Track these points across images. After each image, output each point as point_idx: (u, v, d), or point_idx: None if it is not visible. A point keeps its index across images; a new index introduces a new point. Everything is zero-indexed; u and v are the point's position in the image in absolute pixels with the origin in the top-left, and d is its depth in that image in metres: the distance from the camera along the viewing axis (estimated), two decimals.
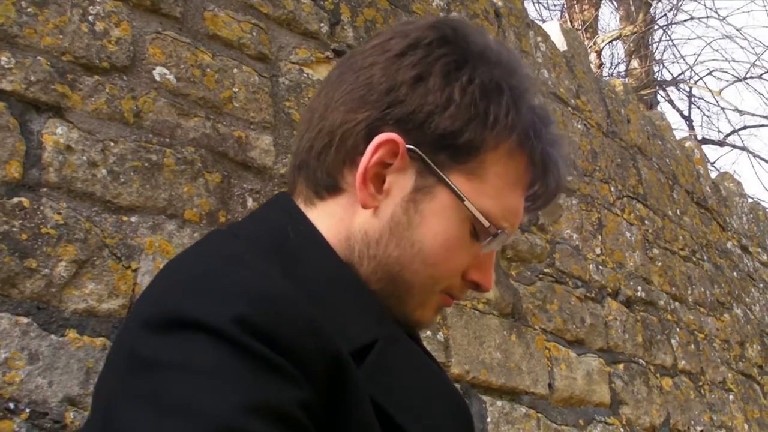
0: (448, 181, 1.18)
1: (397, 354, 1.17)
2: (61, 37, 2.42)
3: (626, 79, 13.81)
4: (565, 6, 14.99)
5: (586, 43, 11.13)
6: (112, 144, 2.45)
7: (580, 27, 13.47)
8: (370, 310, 1.18)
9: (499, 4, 4.57)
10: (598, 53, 14.05)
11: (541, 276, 4.11)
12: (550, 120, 1.27)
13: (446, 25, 1.24)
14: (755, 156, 19.65)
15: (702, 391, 5.27)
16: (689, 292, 5.60)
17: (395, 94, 1.18)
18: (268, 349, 0.94)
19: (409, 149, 1.17)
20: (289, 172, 1.31)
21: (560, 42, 5.25)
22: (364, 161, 1.17)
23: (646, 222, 5.34)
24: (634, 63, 15.04)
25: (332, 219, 1.22)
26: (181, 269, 1.11)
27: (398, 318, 1.21)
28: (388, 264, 1.19)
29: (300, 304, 1.03)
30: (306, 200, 1.25)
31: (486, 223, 1.19)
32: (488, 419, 3.47)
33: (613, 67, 15.92)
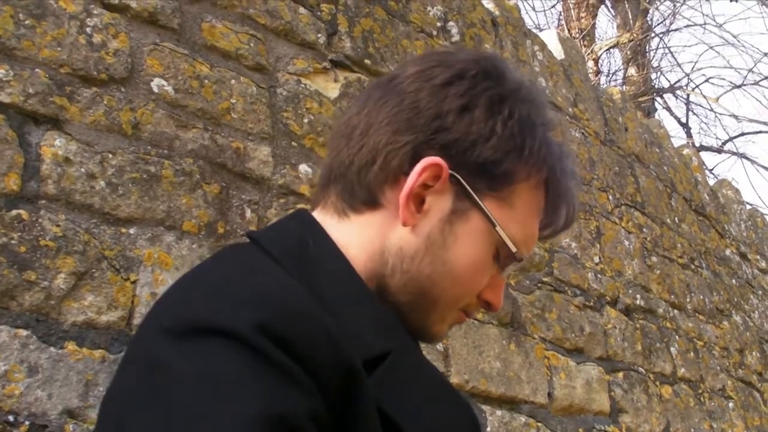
0: (483, 207, 1.24)
1: (410, 366, 1.22)
2: (59, 49, 2.43)
3: (624, 87, 13.82)
4: (562, 14, 15.01)
5: (583, 51, 11.14)
6: (110, 156, 2.45)
7: (578, 35, 13.49)
8: (384, 322, 1.22)
9: (497, 13, 4.57)
10: (596, 61, 14.07)
11: (539, 285, 4.11)
12: (569, 154, 1.36)
13: (488, 60, 1.32)
14: (753, 162, 19.64)
15: (702, 399, 5.27)
16: (688, 299, 5.60)
17: (441, 121, 1.24)
18: (287, 357, 0.96)
19: (450, 174, 1.24)
20: (321, 185, 1.36)
21: (557, 51, 5.26)
22: (410, 182, 1.23)
23: (644, 230, 5.35)
24: (632, 70, 15.06)
25: (368, 231, 1.27)
26: (200, 278, 1.14)
27: (416, 330, 1.28)
28: (420, 279, 1.24)
29: (318, 313, 1.06)
30: (339, 212, 1.30)
31: (513, 249, 1.26)
32: (488, 429, 3.47)
33: (610, 75, 15.94)
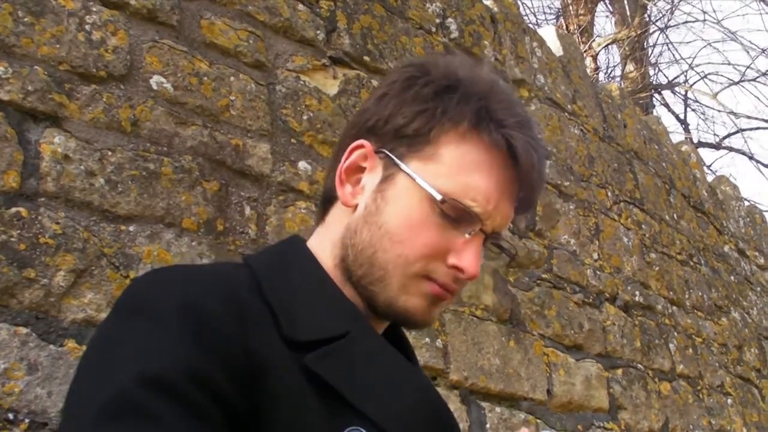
0: (401, 165, 1.32)
1: (366, 348, 1.28)
2: (58, 46, 2.42)
3: (622, 83, 13.83)
4: (561, 11, 15.01)
5: (581, 47, 11.14)
6: (109, 153, 2.45)
7: (576, 31, 13.48)
8: (344, 309, 1.30)
9: (495, 9, 4.57)
10: (594, 57, 14.07)
11: (538, 281, 4.12)
12: (516, 110, 1.38)
13: (419, 60, 1.54)
14: (751, 159, 19.65)
15: (700, 396, 5.27)
16: (687, 296, 5.60)
17: (367, 113, 1.39)
18: (205, 330, 1.08)
19: (377, 151, 1.35)
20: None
21: (556, 47, 5.25)
22: (339, 166, 1.38)
23: (643, 226, 5.35)
24: (630, 66, 15.06)
25: (331, 228, 1.39)
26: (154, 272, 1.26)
27: (387, 309, 1.32)
28: (363, 248, 1.32)
29: (237, 297, 1.17)
30: (317, 223, 1.44)
31: (438, 197, 1.28)
32: (487, 425, 3.47)
33: (609, 71, 15.95)
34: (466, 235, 1.31)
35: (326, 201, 1.42)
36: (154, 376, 1.02)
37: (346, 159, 1.37)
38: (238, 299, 1.17)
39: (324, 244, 1.38)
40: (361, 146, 1.36)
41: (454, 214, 1.30)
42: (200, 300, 1.11)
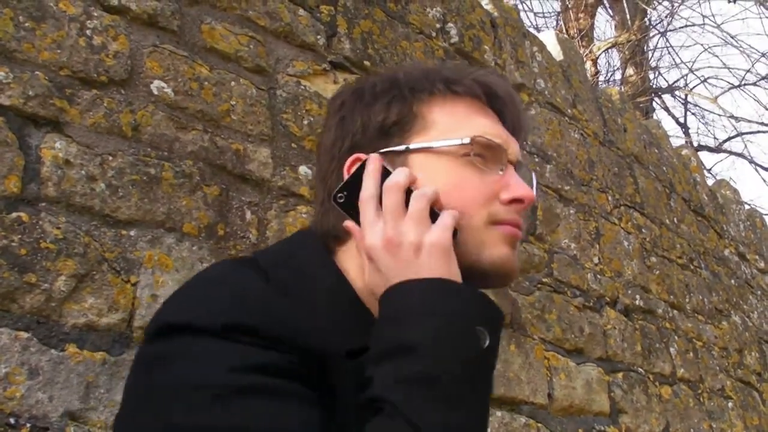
0: (408, 146, 1.35)
1: None
2: (59, 51, 2.43)
3: (622, 87, 13.83)
4: (560, 14, 15.01)
5: (581, 51, 11.14)
6: (110, 158, 2.45)
7: (576, 35, 13.49)
8: (361, 320, 1.30)
9: (495, 14, 4.58)
10: (594, 61, 14.07)
11: (539, 286, 4.12)
12: (465, 65, 1.50)
13: (344, 85, 1.55)
14: (751, 162, 19.65)
15: (701, 399, 5.27)
16: (687, 300, 5.60)
17: (339, 141, 1.40)
18: (254, 338, 1.12)
19: (371, 157, 1.34)
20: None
21: (556, 51, 5.26)
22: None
23: (643, 230, 5.35)
24: (630, 70, 15.06)
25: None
26: (179, 290, 1.28)
27: (477, 269, 1.32)
28: None
29: (281, 306, 1.20)
30: (336, 244, 1.41)
31: (458, 141, 1.33)
32: (488, 430, 3.46)
33: (609, 74, 15.95)
34: (500, 172, 1.35)
35: (336, 235, 1.38)
36: (258, 363, 1.10)
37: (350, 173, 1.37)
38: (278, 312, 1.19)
39: (354, 260, 1.35)
40: (358, 159, 1.36)
41: (481, 153, 1.34)
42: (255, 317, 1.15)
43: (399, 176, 1.29)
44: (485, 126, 1.37)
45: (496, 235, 1.33)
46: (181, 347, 1.13)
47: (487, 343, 1.19)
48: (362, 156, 1.35)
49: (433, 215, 1.27)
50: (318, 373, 1.17)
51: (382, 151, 1.35)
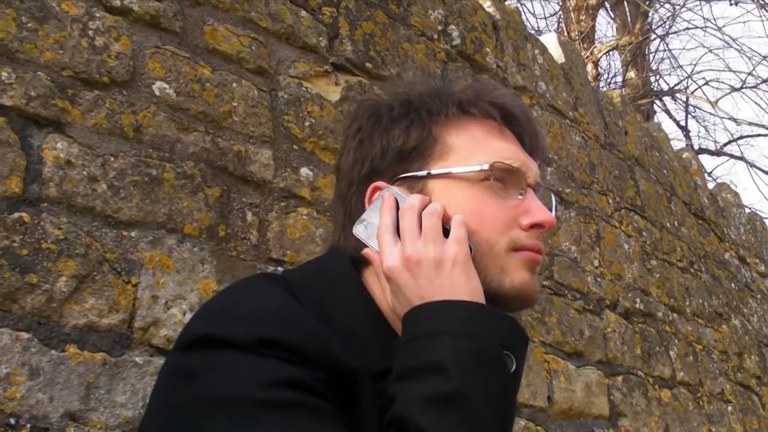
0: (430, 171, 1.36)
1: None
2: (61, 52, 2.43)
3: (623, 90, 13.83)
4: (562, 17, 15.01)
5: (582, 53, 11.14)
6: (112, 158, 2.45)
7: (577, 38, 13.49)
8: (386, 339, 1.31)
9: (497, 17, 4.58)
10: (595, 64, 14.08)
11: (539, 288, 4.11)
12: (479, 84, 1.51)
13: (358, 104, 1.58)
14: (752, 165, 19.65)
15: (701, 403, 5.27)
16: (687, 303, 5.60)
17: (358, 164, 1.42)
18: (284, 353, 1.13)
19: (392, 182, 1.38)
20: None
21: (558, 54, 5.26)
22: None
23: (643, 233, 5.35)
24: (631, 73, 15.06)
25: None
26: (209, 303, 1.30)
27: (498, 295, 1.33)
28: None
29: (312, 323, 1.20)
30: (362, 265, 1.42)
31: (478, 167, 1.34)
32: None
33: (610, 77, 15.95)
34: (519, 196, 1.36)
35: (360, 258, 1.39)
36: (288, 378, 1.11)
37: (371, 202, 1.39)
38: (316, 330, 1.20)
39: (376, 288, 1.37)
40: (377, 188, 1.38)
41: (501, 177, 1.35)
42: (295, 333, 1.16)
43: (413, 200, 1.32)
44: (503, 149, 1.38)
45: (516, 261, 1.35)
46: (211, 360, 1.14)
47: (513, 368, 1.21)
48: (381, 185, 1.38)
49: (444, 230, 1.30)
50: (345, 391, 1.18)
51: (402, 176, 1.37)
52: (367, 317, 1.34)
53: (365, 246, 1.35)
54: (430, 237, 1.27)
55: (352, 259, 1.40)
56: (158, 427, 1.17)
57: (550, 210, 1.43)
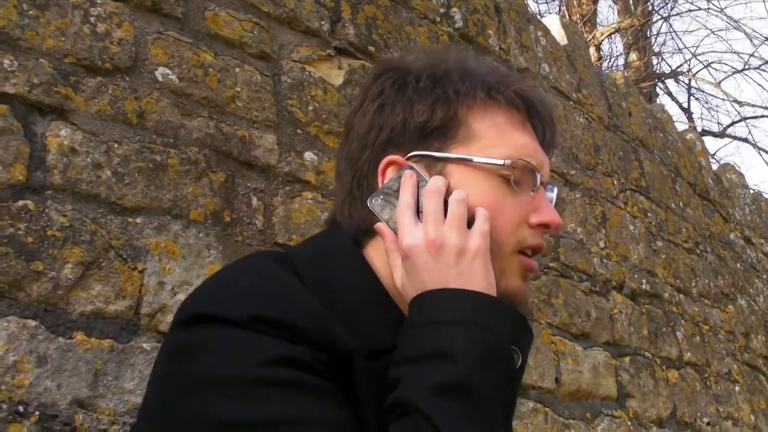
0: (448, 155, 1.34)
1: None
2: (63, 39, 2.42)
3: (625, 72, 13.80)
4: (563, 1, 14.97)
5: (585, 36, 11.12)
6: (116, 145, 2.45)
7: (579, 21, 13.46)
8: (389, 317, 1.31)
9: None
10: (597, 47, 14.05)
11: (545, 270, 4.11)
12: (504, 70, 1.47)
13: (383, 62, 1.50)
14: (755, 146, 19.60)
15: (708, 383, 5.27)
16: (693, 284, 5.60)
17: (374, 129, 1.39)
18: (282, 332, 1.13)
19: (408, 158, 1.35)
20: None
21: (560, 36, 5.25)
22: (378, 189, 1.36)
23: (649, 215, 5.34)
24: (633, 56, 15.03)
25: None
26: (208, 281, 1.31)
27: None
28: None
29: (312, 302, 1.20)
30: (365, 240, 1.41)
31: (500, 162, 1.32)
32: None
33: (612, 60, 15.92)
34: (531, 193, 1.36)
35: (360, 231, 1.39)
36: (285, 356, 1.11)
37: (383, 176, 1.36)
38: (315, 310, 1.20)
39: (383, 257, 1.35)
40: (393, 162, 1.36)
41: (520, 177, 1.34)
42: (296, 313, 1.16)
43: (438, 182, 1.30)
44: (525, 145, 1.37)
45: (516, 265, 1.35)
46: (208, 338, 1.14)
47: (519, 363, 1.22)
48: (397, 159, 1.35)
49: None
50: (345, 372, 1.18)
51: (419, 153, 1.35)
52: (371, 295, 1.33)
53: (378, 219, 1.34)
54: (455, 224, 1.26)
55: (356, 230, 1.39)
56: (156, 404, 1.18)
57: (552, 203, 1.44)
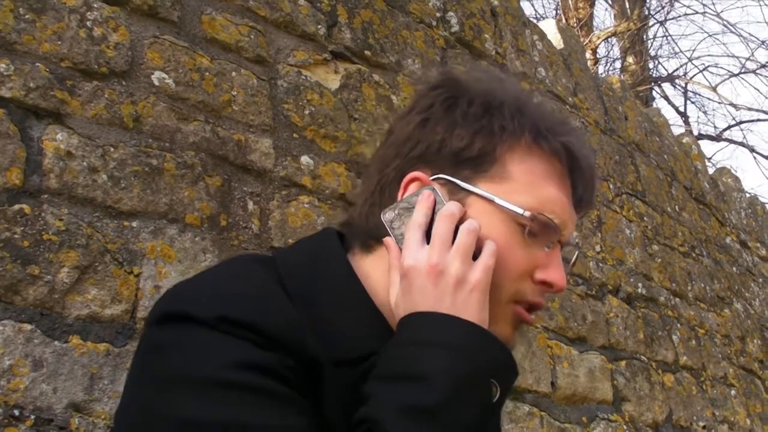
0: (473, 189, 1.30)
1: None
2: (59, 43, 2.42)
3: (621, 76, 13.81)
4: (560, 4, 14.98)
5: (581, 40, 11.13)
6: (112, 149, 2.45)
7: (575, 25, 13.47)
8: (373, 327, 1.30)
9: (495, 3, 4.57)
10: (594, 51, 14.06)
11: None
12: (559, 117, 1.40)
13: (443, 74, 1.44)
14: (751, 150, 19.63)
15: (704, 387, 5.28)
16: (689, 287, 5.60)
17: (411, 141, 1.36)
18: (251, 334, 1.12)
19: (435, 179, 1.32)
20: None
21: (557, 40, 5.25)
22: (397, 201, 1.34)
23: (645, 218, 5.35)
24: (630, 59, 15.05)
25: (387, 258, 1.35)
26: (184, 282, 1.29)
27: None
28: None
29: (283, 306, 1.20)
30: (364, 251, 1.39)
31: (520, 211, 1.28)
32: None
33: (608, 64, 15.94)
34: (546, 249, 1.32)
35: (372, 236, 1.37)
36: (252, 361, 1.11)
37: (404, 191, 1.34)
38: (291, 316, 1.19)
39: (382, 269, 1.34)
40: (417, 178, 1.33)
41: (537, 230, 1.30)
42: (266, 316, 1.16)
43: (453, 207, 1.28)
44: (554, 200, 1.32)
45: (508, 314, 1.32)
46: (178, 336, 1.14)
47: (496, 398, 1.19)
48: (422, 176, 1.32)
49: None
50: (313, 380, 1.18)
51: (446, 177, 1.32)
52: (354, 303, 1.31)
53: (388, 233, 1.32)
54: (460, 253, 1.24)
55: (367, 234, 1.37)
56: (128, 400, 1.18)
57: (570, 263, 1.42)
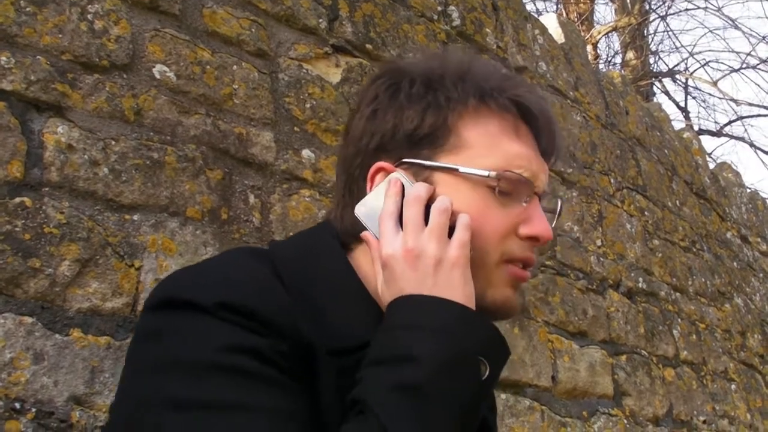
0: (435, 164, 1.32)
1: None
2: (60, 36, 2.42)
3: (622, 71, 13.81)
4: None
5: (582, 35, 11.12)
6: (113, 142, 2.45)
7: (576, 19, 13.46)
8: (368, 317, 1.30)
9: None
10: (594, 45, 14.05)
11: (542, 268, 4.11)
12: (504, 74, 1.42)
13: (383, 65, 1.46)
14: (752, 145, 19.62)
15: (704, 381, 5.28)
16: (690, 282, 5.60)
17: (366, 135, 1.38)
18: (246, 320, 1.14)
19: (398, 165, 1.34)
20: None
21: (558, 34, 5.25)
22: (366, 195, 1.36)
23: (645, 213, 5.35)
24: (630, 54, 15.04)
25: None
26: (181, 270, 1.32)
27: (480, 305, 1.28)
28: None
29: (279, 294, 1.21)
30: (352, 245, 1.40)
31: (485, 173, 1.29)
32: None
33: (609, 59, 15.92)
34: (523, 204, 1.33)
35: (351, 235, 1.38)
36: (244, 345, 1.12)
37: (372, 182, 1.35)
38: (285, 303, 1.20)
39: (369, 263, 1.34)
40: (381, 168, 1.35)
41: (508, 188, 1.31)
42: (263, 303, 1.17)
43: (419, 190, 1.29)
44: (516, 155, 1.33)
45: (503, 275, 1.33)
46: (176, 322, 1.15)
47: (485, 376, 1.19)
48: (386, 166, 1.34)
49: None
50: (306, 366, 1.19)
51: (407, 160, 1.33)
52: (350, 294, 1.32)
53: (364, 227, 1.33)
54: (435, 233, 1.25)
55: (346, 233, 1.38)
56: (126, 385, 1.18)
57: (555, 214, 1.43)
